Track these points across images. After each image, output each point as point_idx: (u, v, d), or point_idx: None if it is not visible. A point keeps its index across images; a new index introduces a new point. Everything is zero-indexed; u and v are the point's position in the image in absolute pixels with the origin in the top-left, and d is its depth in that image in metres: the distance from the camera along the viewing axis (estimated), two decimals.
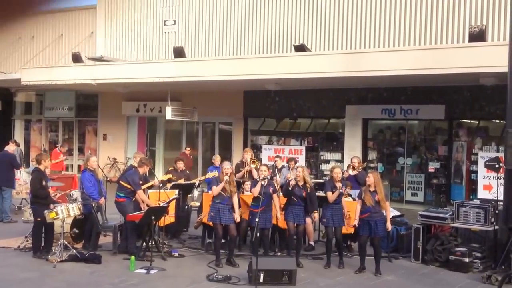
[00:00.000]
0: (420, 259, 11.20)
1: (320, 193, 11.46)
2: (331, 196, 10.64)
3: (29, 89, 26.11)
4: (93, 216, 11.41)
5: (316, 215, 11.12)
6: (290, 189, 10.62)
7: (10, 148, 15.59)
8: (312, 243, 12.22)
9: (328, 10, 18.95)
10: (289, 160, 14.11)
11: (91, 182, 11.58)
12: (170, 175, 13.13)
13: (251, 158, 13.46)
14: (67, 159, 20.15)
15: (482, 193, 15.04)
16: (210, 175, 13.18)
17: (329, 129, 20.18)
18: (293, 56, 16.89)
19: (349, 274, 10.39)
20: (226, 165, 10.84)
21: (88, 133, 25.98)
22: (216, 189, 10.56)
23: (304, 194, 10.65)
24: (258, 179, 10.80)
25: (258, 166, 12.21)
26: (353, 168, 12.89)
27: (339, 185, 10.54)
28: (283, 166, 14.06)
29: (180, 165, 13.48)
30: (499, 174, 11.46)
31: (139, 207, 11.33)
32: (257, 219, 9.90)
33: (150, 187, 12.12)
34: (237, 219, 10.73)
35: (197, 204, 13.39)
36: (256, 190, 10.59)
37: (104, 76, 20.08)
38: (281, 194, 11.21)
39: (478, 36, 14.09)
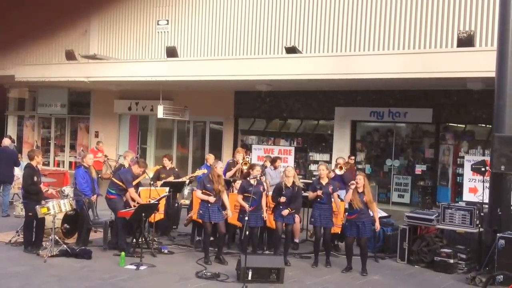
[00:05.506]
0: (406, 259, 11.33)
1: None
2: (310, 195, 10.86)
3: (22, 85, 26.10)
4: (84, 212, 11.50)
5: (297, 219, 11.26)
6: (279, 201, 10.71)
7: (5, 142, 15.75)
8: (297, 240, 12.30)
9: (319, 13, 19.04)
10: (272, 161, 13.75)
11: (84, 178, 11.65)
12: (157, 166, 13.05)
13: (243, 159, 13.55)
14: (107, 158, 20.25)
15: (467, 196, 15.19)
16: (199, 172, 13.28)
17: (318, 130, 20.32)
18: (284, 57, 17.03)
19: (336, 273, 10.52)
20: (219, 165, 10.98)
21: (80, 130, 26.06)
22: (199, 195, 10.67)
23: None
24: (249, 178, 10.93)
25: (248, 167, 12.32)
26: (340, 168, 12.96)
27: (319, 192, 10.69)
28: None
29: (168, 163, 13.54)
30: (484, 177, 11.64)
31: (130, 205, 11.44)
32: (246, 218, 10.03)
33: (139, 184, 12.16)
34: (229, 214, 10.87)
35: (187, 201, 13.47)
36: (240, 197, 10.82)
37: (97, 74, 20.16)
38: (270, 193, 11.30)
39: (466, 41, 14.23)
